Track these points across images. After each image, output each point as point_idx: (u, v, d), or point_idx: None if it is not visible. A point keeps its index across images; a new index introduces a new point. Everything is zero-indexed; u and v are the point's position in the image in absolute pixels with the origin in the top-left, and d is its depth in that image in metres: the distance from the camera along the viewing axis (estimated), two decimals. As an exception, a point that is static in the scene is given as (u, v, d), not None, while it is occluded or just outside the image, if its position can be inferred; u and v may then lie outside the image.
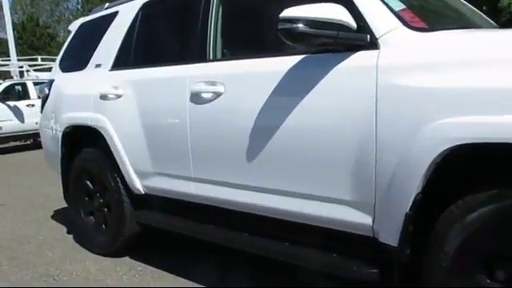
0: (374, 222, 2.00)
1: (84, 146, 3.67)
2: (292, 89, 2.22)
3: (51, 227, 4.49)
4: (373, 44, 1.99)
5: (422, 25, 2.09)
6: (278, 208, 2.33)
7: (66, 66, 4.04)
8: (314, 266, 2.25)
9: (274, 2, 2.51)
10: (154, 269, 3.25)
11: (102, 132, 3.32)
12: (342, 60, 2.04)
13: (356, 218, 2.05)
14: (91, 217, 3.69)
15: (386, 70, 1.90)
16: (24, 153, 11.17)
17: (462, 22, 2.58)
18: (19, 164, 9.33)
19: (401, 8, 2.10)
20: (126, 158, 3.21)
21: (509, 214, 1.62)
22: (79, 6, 39.89)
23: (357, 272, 2.04)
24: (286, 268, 2.55)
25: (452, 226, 1.75)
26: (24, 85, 12.20)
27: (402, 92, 1.83)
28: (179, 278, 3.06)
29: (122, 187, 3.33)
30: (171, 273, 3.15)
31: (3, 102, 11.25)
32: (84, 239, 3.81)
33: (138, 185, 3.21)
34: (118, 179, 3.33)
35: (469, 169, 1.78)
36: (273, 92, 2.28)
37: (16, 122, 11.33)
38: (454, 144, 1.67)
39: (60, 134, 3.76)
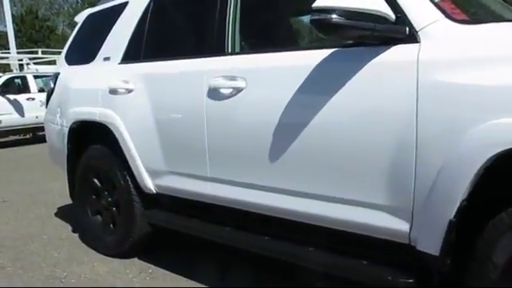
0: (411, 228, 1.86)
1: (91, 143, 3.52)
2: (321, 85, 2.08)
3: (55, 225, 4.35)
4: (412, 37, 1.84)
5: (464, 17, 1.95)
6: (304, 212, 2.20)
7: (73, 59, 3.88)
8: (342, 274, 2.12)
9: None
10: (166, 271, 3.11)
11: (112, 128, 3.17)
12: (378, 54, 1.90)
13: (391, 224, 1.91)
14: (98, 216, 3.55)
15: (429, 65, 1.76)
16: (24, 147, 11.04)
17: (496, 15, 2.44)
18: (19, 158, 9.18)
19: (440, -2, 1.96)
20: (136, 156, 3.07)
21: None
22: (79, -1, 39.60)
23: (392, 281, 1.91)
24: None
25: (502, 235, 1.61)
26: (24, 78, 12.05)
27: (448, 90, 1.69)
28: (192, 282, 2.92)
29: (132, 186, 3.18)
30: (183, 275, 3.02)
31: (3, 96, 11.12)
32: (91, 239, 3.67)
33: (150, 184, 3.07)
34: (128, 178, 3.19)
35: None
36: (300, 88, 2.13)
37: (16, 115, 11.20)
38: (508, 147, 1.53)
39: (66, 130, 3.62)
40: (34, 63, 14.60)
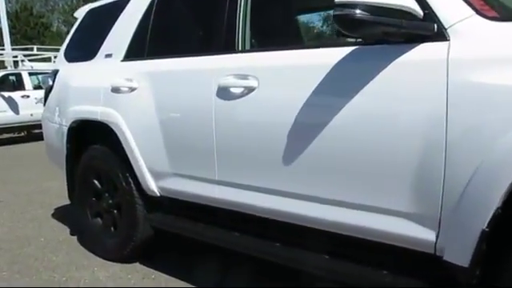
0: (437, 237, 1.75)
1: (92, 142, 3.40)
2: (341, 85, 1.97)
3: (53, 227, 4.22)
4: (440, 35, 1.73)
5: (494, 13, 1.84)
6: (322, 218, 2.08)
7: (72, 56, 3.76)
8: (362, 284, 2.01)
9: None
10: (169, 277, 3.00)
11: (114, 128, 3.05)
12: (403, 53, 1.79)
13: (415, 232, 1.80)
14: (99, 218, 3.42)
15: (460, 64, 1.65)
16: (19, 145, 10.88)
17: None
18: (14, 157, 9.02)
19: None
20: (139, 157, 2.94)
21: None
22: (74, -4, 39.27)
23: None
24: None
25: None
26: (19, 75, 11.89)
27: (481, 91, 1.58)
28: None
29: (134, 188, 3.06)
30: (187, 280, 2.90)
31: (-3, 93, 10.93)
32: (90, 242, 3.55)
33: (153, 186, 2.95)
34: (130, 179, 3.06)
35: None
36: (317, 88, 2.02)
37: (10, 113, 11.03)
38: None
39: (65, 129, 3.49)
40: (29, 60, 14.42)
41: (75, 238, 3.85)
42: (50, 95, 3.81)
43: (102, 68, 3.30)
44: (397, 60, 1.80)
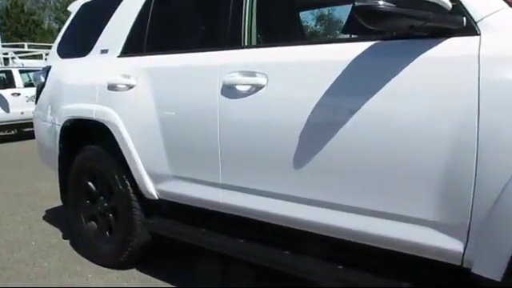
0: (465, 248, 1.62)
1: (86, 143, 3.24)
2: (359, 83, 1.83)
3: (44, 230, 4.04)
4: (470, 29, 1.60)
5: (526, 6, 1.71)
6: (337, 226, 1.94)
7: (66, 52, 3.58)
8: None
9: None
10: (169, 285, 2.84)
11: (110, 127, 2.89)
12: (428, 48, 1.65)
13: (441, 242, 1.67)
14: (93, 222, 3.26)
15: (492, 61, 1.52)
16: (8, 144, 10.63)
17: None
18: (4, 156, 8.78)
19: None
20: (137, 158, 2.79)
21: None
22: (65, -7, 38.84)
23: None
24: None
25: None
26: (9, 72, 11.63)
27: (518, 89, 1.45)
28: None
29: (131, 191, 2.90)
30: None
31: (-13, 91, 10.69)
32: (84, 247, 3.38)
33: (151, 189, 2.79)
34: (127, 181, 2.90)
35: None
36: (332, 86, 1.88)
37: (0, 111, 10.78)
38: None
39: (58, 128, 3.32)
40: (20, 57, 14.16)
41: (68, 242, 3.68)
42: (42, 93, 3.64)
43: (97, 64, 3.14)
44: (422, 56, 1.66)
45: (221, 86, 2.28)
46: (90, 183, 3.22)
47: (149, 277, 2.96)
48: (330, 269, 2.02)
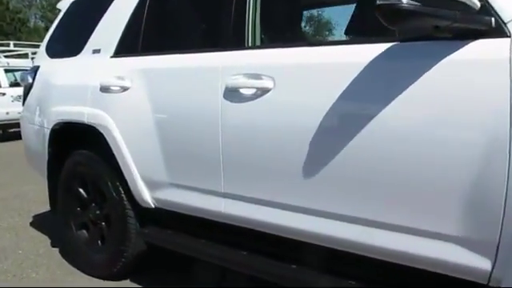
0: (494, 266, 1.50)
1: (77, 147, 3.07)
2: (375, 88, 1.71)
3: (32, 238, 3.86)
4: (499, 30, 1.48)
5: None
6: (353, 241, 1.81)
7: (55, 51, 3.42)
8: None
9: None
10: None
11: (102, 131, 2.74)
12: (453, 50, 1.54)
13: (467, 259, 1.55)
14: (84, 231, 3.10)
15: (526, 65, 1.40)
16: (-7, 145, 10.36)
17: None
18: (-11, 158, 8.54)
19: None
20: (132, 164, 2.64)
21: None
22: (51, -9, 38.28)
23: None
24: None
25: None
26: (-6, 72, 11.33)
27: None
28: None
29: (125, 198, 2.75)
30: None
31: (-29, 90, 10.41)
32: (74, 256, 3.21)
33: (147, 197, 2.64)
34: (121, 188, 2.75)
35: None
36: (346, 91, 1.75)
37: (-15, 111, 10.50)
38: None
39: (47, 131, 3.15)
40: (5, 56, 13.84)
41: (57, 250, 3.51)
42: (30, 94, 3.47)
43: (89, 65, 2.98)
44: (445, 59, 1.55)
45: (223, 89, 2.15)
46: (80, 190, 3.06)
47: (144, 288, 2.82)
48: (341, 286, 1.89)
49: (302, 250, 2.04)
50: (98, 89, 2.78)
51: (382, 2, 1.45)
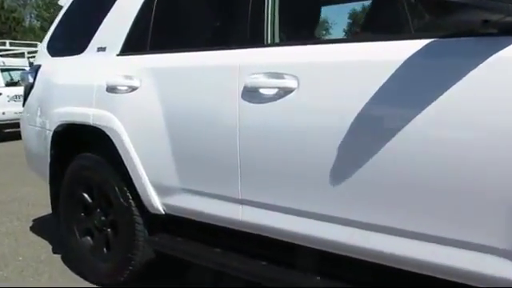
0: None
1: (81, 150, 2.93)
2: (412, 87, 1.58)
3: (32, 243, 3.71)
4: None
5: None
6: (387, 252, 1.68)
7: (57, 50, 3.27)
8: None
9: None
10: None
11: (109, 133, 2.60)
12: (504, 47, 1.41)
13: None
14: (88, 237, 2.96)
15: None
16: (-11, 146, 10.18)
17: None
18: (-16, 159, 8.37)
19: None
20: (141, 168, 2.50)
21: None
22: (47, -10, 37.97)
23: None
24: None
25: None
26: (-11, 71, 11.16)
27: None
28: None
29: (133, 204, 2.61)
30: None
31: (-33, 90, 10.24)
32: (78, 263, 3.07)
33: (157, 202, 2.50)
34: (129, 194, 2.61)
35: None
36: (379, 92, 1.63)
37: (-20, 111, 10.33)
38: None
39: (49, 134, 3.01)
40: (1, 55, 13.66)
41: (59, 257, 3.37)
42: (31, 94, 3.32)
43: (93, 63, 2.84)
44: (494, 56, 1.41)
45: (241, 89, 2.02)
46: (85, 194, 2.92)
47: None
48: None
49: (330, 262, 1.90)
50: (104, 89, 2.64)
51: (428, -6, 1.32)
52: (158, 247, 2.59)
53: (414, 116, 1.54)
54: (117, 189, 2.65)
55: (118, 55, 2.71)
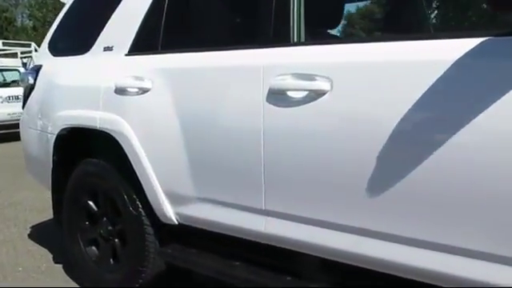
0: None
1: (86, 155, 2.77)
2: (465, 91, 1.44)
3: (31, 252, 3.54)
4: None
5: None
6: (423, 268, 1.54)
7: (60, 49, 3.10)
8: None
9: None
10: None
11: (118, 138, 2.44)
12: None
13: None
14: (93, 247, 2.80)
15: None
16: (-17, 148, 9.95)
17: None
18: (-22, 162, 8.16)
19: None
20: (152, 175, 2.34)
21: None
22: (38, -10, 37.55)
23: None
24: None
25: None
26: (-18, 72, 10.93)
27: None
28: None
29: (143, 213, 2.45)
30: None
31: (-41, 91, 10.01)
32: (81, 274, 2.90)
33: (170, 212, 2.35)
34: (139, 202, 2.46)
35: None
36: (425, 95, 1.48)
37: (-27, 113, 10.10)
38: None
39: (52, 138, 2.84)
40: (-7, 56, 13.41)
41: (60, 266, 3.21)
42: (31, 96, 3.15)
43: (100, 64, 2.67)
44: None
45: (266, 92, 1.87)
46: (90, 202, 2.76)
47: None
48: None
49: (362, 278, 1.76)
50: (113, 90, 2.48)
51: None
52: (169, 259, 2.44)
53: (467, 122, 1.41)
54: (125, 197, 2.49)
55: (126, 55, 2.55)
